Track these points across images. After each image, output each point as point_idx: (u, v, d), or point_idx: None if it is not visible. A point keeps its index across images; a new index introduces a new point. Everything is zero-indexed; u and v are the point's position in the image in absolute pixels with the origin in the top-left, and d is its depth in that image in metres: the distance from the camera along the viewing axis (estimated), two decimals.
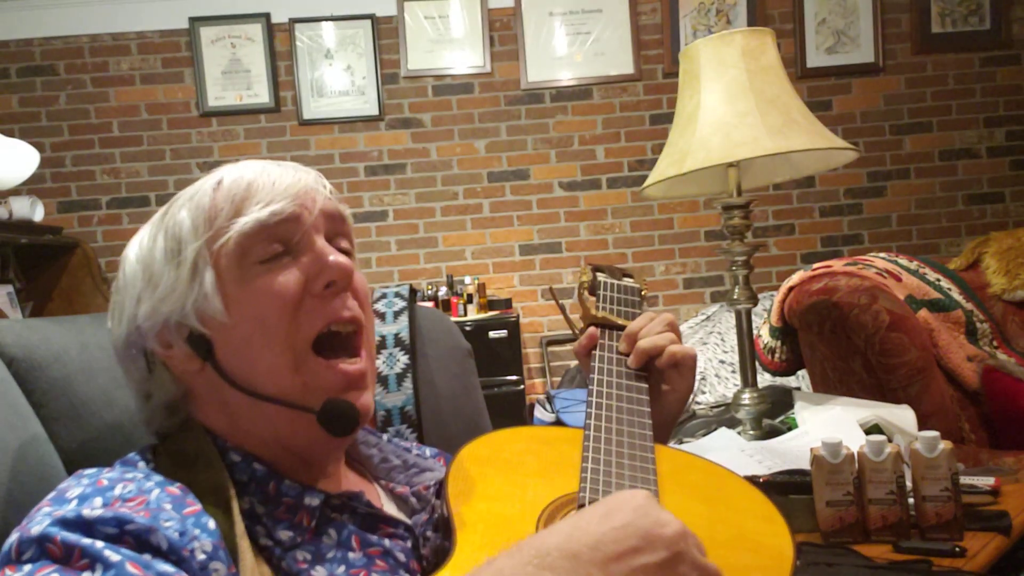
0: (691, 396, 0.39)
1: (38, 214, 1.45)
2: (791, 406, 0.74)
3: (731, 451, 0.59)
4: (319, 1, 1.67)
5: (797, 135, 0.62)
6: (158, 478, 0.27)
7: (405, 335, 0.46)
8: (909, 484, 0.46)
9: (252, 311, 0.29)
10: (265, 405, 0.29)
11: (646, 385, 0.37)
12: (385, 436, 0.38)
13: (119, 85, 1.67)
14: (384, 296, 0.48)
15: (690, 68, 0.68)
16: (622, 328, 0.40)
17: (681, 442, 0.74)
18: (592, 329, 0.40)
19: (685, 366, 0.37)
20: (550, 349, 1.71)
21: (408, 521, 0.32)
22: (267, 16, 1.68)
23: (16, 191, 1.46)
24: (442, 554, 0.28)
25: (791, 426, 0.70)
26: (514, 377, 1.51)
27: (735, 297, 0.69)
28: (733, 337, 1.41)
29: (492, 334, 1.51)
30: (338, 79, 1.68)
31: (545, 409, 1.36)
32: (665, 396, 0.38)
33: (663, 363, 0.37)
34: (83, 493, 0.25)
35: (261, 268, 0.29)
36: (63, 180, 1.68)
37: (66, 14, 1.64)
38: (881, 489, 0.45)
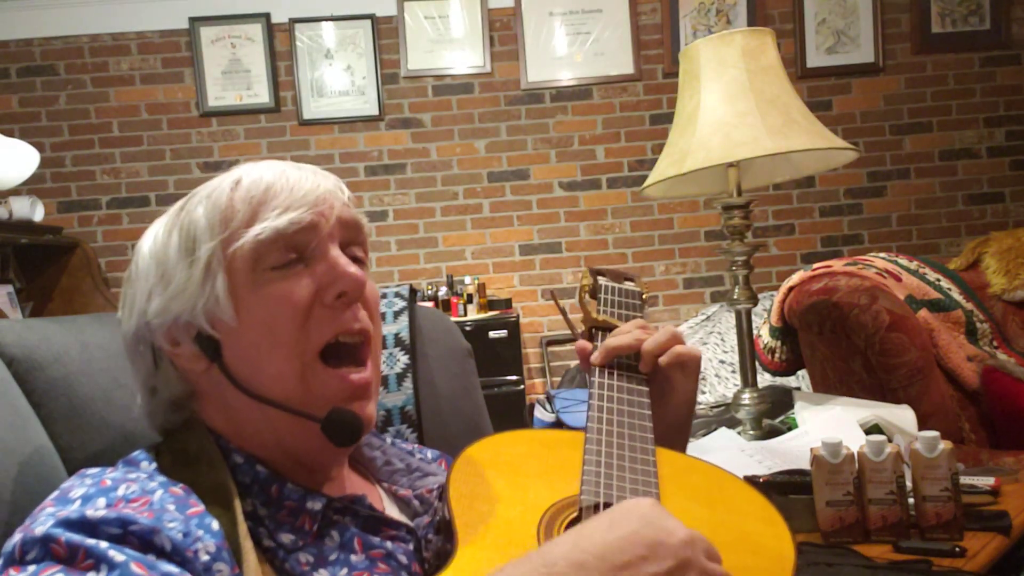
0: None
1: (38, 214, 1.45)
2: (791, 406, 0.74)
3: (731, 451, 0.59)
4: (319, 1, 1.67)
5: (797, 135, 0.62)
6: (161, 479, 0.27)
7: (405, 335, 0.46)
8: (909, 484, 0.46)
9: (262, 316, 0.29)
10: (269, 410, 0.29)
11: (647, 388, 0.37)
12: (388, 438, 0.38)
13: (119, 85, 1.67)
14: (384, 296, 0.48)
15: (690, 68, 0.68)
16: None
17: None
18: (581, 343, 0.39)
19: (689, 367, 0.37)
20: (550, 349, 1.71)
21: (410, 523, 0.32)
22: (267, 16, 1.68)
23: (16, 191, 1.46)
24: (443, 556, 0.28)
25: (791, 426, 0.70)
26: (514, 377, 1.51)
27: (735, 297, 0.69)
28: (733, 337, 1.41)
29: (492, 334, 1.51)
30: (338, 79, 1.68)
31: (545, 409, 1.36)
32: (671, 400, 0.38)
33: (667, 361, 0.37)
34: (86, 493, 0.25)
35: (274, 274, 0.29)
36: (63, 180, 1.68)
37: (66, 14, 1.64)
38: (881, 489, 0.45)
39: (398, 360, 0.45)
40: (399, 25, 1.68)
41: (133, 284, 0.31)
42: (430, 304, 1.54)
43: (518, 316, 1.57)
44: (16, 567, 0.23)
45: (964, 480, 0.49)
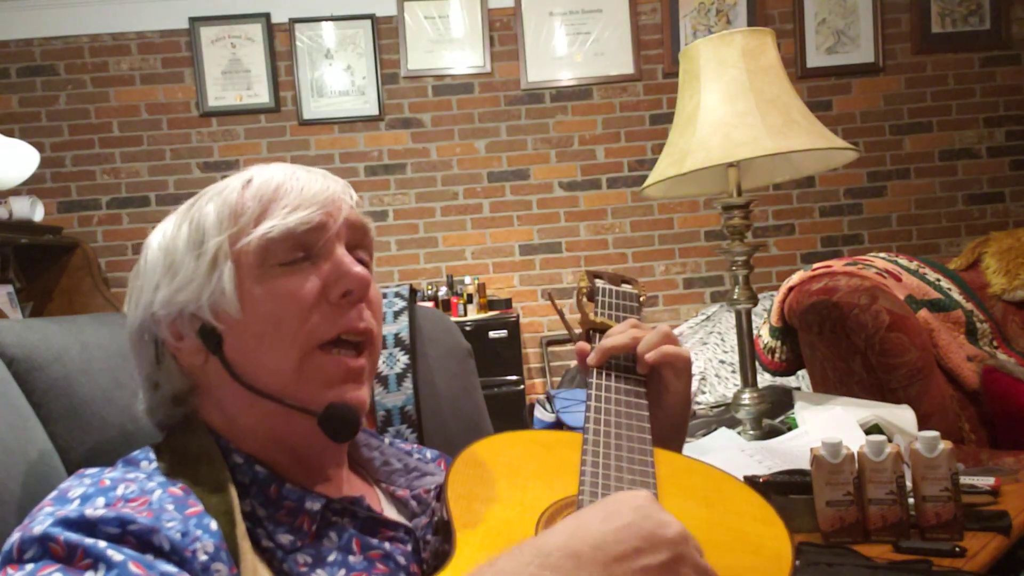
0: (692, 396, 0.38)
1: (38, 214, 1.45)
2: (791, 406, 0.74)
3: (731, 451, 0.59)
4: (319, 1, 1.67)
5: (797, 135, 0.62)
6: (160, 478, 0.27)
7: (405, 335, 0.46)
8: (909, 484, 0.46)
9: (267, 310, 0.29)
10: (266, 404, 0.29)
11: (644, 389, 0.38)
12: (387, 439, 0.38)
13: (119, 85, 1.67)
14: (384, 296, 0.48)
15: (690, 68, 0.68)
16: None
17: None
18: (581, 345, 0.40)
19: (679, 367, 0.37)
20: (550, 349, 1.71)
21: (408, 524, 0.32)
22: (267, 16, 1.68)
23: (16, 191, 1.46)
24: (442, 557, 0.28)
25: (791, 426, 0.70)
26: (514, 377, 1.51)
27: (735, 297, 0.69)
28: (733, 337, 1.41)
29: (492, 334, 1.51)
30: (338, 79, 1.68)
31: (545, 409, 1.36)
32: (664, 399, 0.38)
33: (655, 359, 0.37)
34: (85, 493, 0.25)
35: (280, 270, 0.29)
36: (63, 180, 1.68)
37: (66, 14, 1.64)
38: (881, 489, 0.45)
39: (398, 360, 0.45)
40: (399, 25, 1.68)
41: (141, 277, 0.31)
42: (430, 304, 1.54)
43: (518, 316, 1.57)
44: (14, 566, 0.23)
45: (964, 480, 0.49)
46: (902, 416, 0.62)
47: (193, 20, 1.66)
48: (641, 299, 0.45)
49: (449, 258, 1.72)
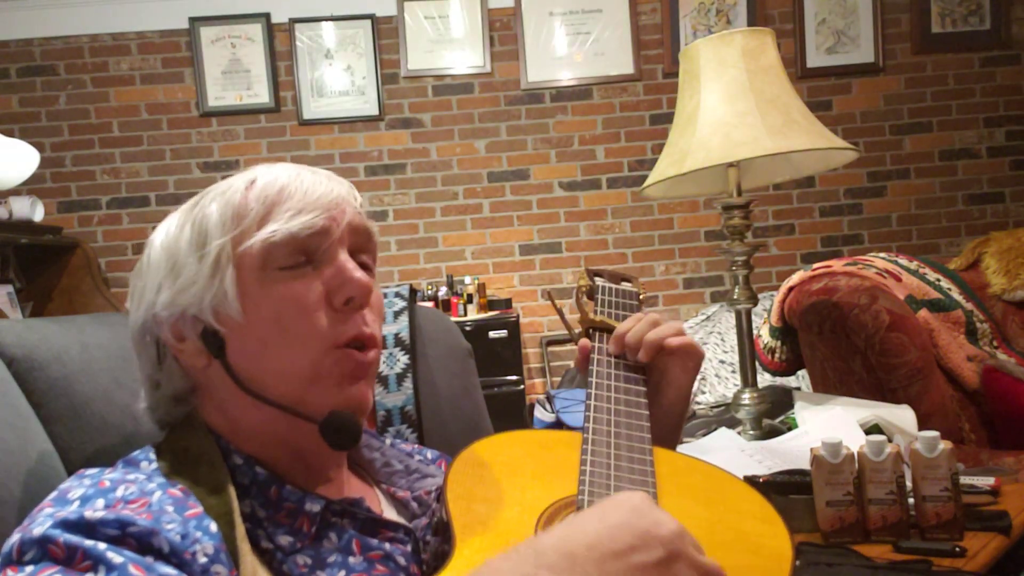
0: (691, 396, 0.38)
1: (38, 214, 1.45)
2: (791, 406, 0.75)
3: (731, 451, 0.59)
4: (319, 1, 1.67)
5: (797, 135, 0.62)
6: (160, 480, 0.27)
7: (405, 335, 0.46)
8: (909, 484, 0.46)
9: (270, 314, 0.29)
10: (268, 409, 0.29)
11: (644, 388, 0.37)
12: (388, 440, 0.38)
13: (119, 85, 1.67)
14: (384, 296, 0.48)
15: (690, 68, 0.68)
16: None
17: (681, 442, 0.73)
18: (583, 341, 0.40)
19: (692, 360, 0.37)
20: (550, 349, 1.71)
21: (408, 525, 0.32)
22: (267, 16, 1.68)
23: (16, 191, 1.46)
24: (441, 557, 0.28)
25: (791, 426, 0.70)
26: (514, 377, 1.51)
27: (735, 297, 0.69)
28: (733, 337, 1.41)
29: (492, 334, 1.51)
30: (338, 79, 1.68)
31: (545, 409, 1.36)
32: (665, 396, 0.38)
33: (678, 344, 0.37)
34: (85, 494, 0.25)
35: (282, 274, 0.29)
36: (63, 180, 1.68)
37: (66, 14, 1.64)
38: (881, 489, 0.45)
39: (398, 360, 0.45)
40: (399, 25, 1.68)
41: (143, 276, 0.31)
42: (430, 304, 1.54)
43: (518, 316, 1.57)
44: (14, 567, 0.23)
45: (964, 480, 0.49)
46: (902, 416, 0.62)
47: (193, 20, 1.66)
48: (641, 297, 0.45)
49: (449, 258, 1.72)
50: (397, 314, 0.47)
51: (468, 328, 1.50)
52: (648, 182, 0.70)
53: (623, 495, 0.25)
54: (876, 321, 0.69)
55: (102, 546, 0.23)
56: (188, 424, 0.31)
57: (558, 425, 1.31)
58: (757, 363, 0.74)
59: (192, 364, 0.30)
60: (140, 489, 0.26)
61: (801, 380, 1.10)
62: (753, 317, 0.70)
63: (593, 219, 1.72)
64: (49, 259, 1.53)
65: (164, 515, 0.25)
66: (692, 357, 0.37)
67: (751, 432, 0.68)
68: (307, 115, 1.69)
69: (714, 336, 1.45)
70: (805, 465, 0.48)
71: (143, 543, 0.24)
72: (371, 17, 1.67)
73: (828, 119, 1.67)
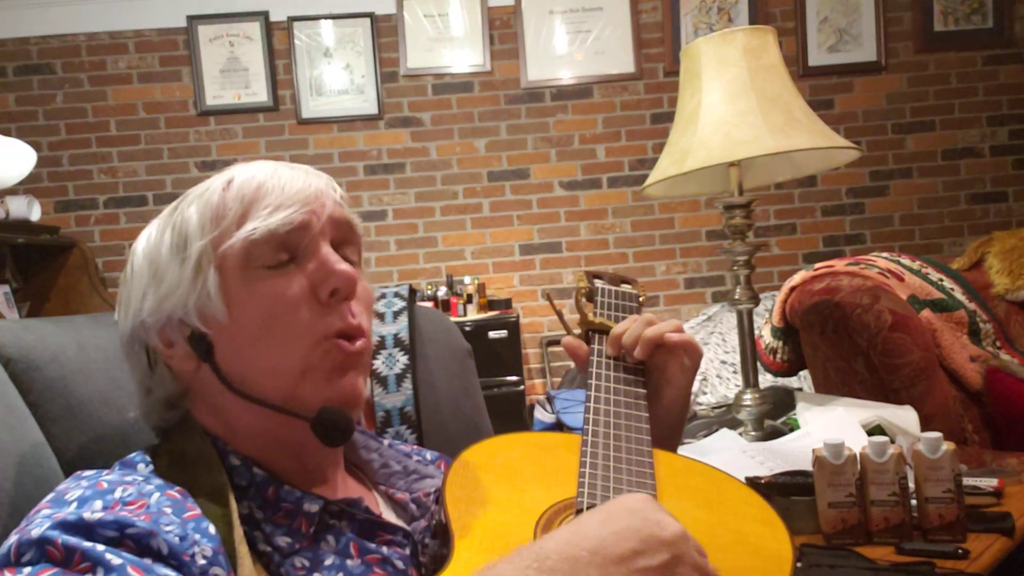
0: (692, 396, 0.38)
1: (35, 214, 1.45)
2: (793, 407, 0.75)
3: (732, 452, 0.59)
4: None
5: (799, 134, 0.62)
6: (158, 481, 0.27)
7: (404, 335, 0.46)
8: (912, 485, 0.46)
9: (255, 314, 0.29)
10: (260, 409, 0.29)
11: (644, 390, 0.37)
12: (386, 441, 0.38)
13: (116, 84, 1.67)
14: (383, 296, 0.48)
15: (691, 67, 0.68)
16: None
17: (682, 443, 0.73)
18: (566, 340, 0.40)
19: (691, 359, 0.37)
20: (550, 349, 1.70)
21: (407, 527, 0.32)
22: (265, 14, 1.67)
23: (13, 190, 1.46)
24: (440, 561, 0.28)
25: (793, 427, 0.70)
26: (514, 378, 1.51)
27: (736, 297, 0.69)
28: (734, 337, 1.40)
29: (492, 334, 1.50)
30: (337, 78, 1.67)
31: (545, 410, 1.36)
32: (667, 396, 0.38)
33: (677, 340, 0.37)
34: (83, 496, 0.25)
35: (265, 273, 0.29)
36: (60, 179, 1.67)
37: (63, 12, 1.64)
38: (883, 490, 0.45)
39: (397, 360, 0.45)
40: (398, 23, 1.67)
41: (129, 285, 0.31)
42: (430, 304, 1.53)
43: (518, 316, 1.57)
44: (11, 569, 0.23)
45: (967, 481, 0.49)
46: (905, 417, 0.62)
47: (191, 18, 1.66)
48: (641, 299, 0.45)
49: (449, 258, 1.72)
50: (396, 314, 0.47)
51: (468, 328, 1.50)
52: (649, 181, 0.69)
53: (626, 498, 0.25)
54: (878, 321, 0.69)
55: (100, 547, 0.23)
56: (184, 427, 0.31)
57: (558, 426, 1.31)
58: (759, 363, 0.74)
59: (183, 368, 0.30)
60: (138, 491, 0.26)
61: (803, 381, 1.10)
62: (755, 317, 0.70)
63: (593, 219, 1.72)
64: (46, 259, 1.53)
65: (163, 517, 0.25)
66: (691, 354, 0.37)
67: (752, 433, 0.68)
68: (306, 114, 1.68)
69: (715, 336, 1.45)
70: (807, 466, 0.48)
71: (141, 545, 0.24)
72: (370, 15, 1.67)
73: (830, 118, 1.66)
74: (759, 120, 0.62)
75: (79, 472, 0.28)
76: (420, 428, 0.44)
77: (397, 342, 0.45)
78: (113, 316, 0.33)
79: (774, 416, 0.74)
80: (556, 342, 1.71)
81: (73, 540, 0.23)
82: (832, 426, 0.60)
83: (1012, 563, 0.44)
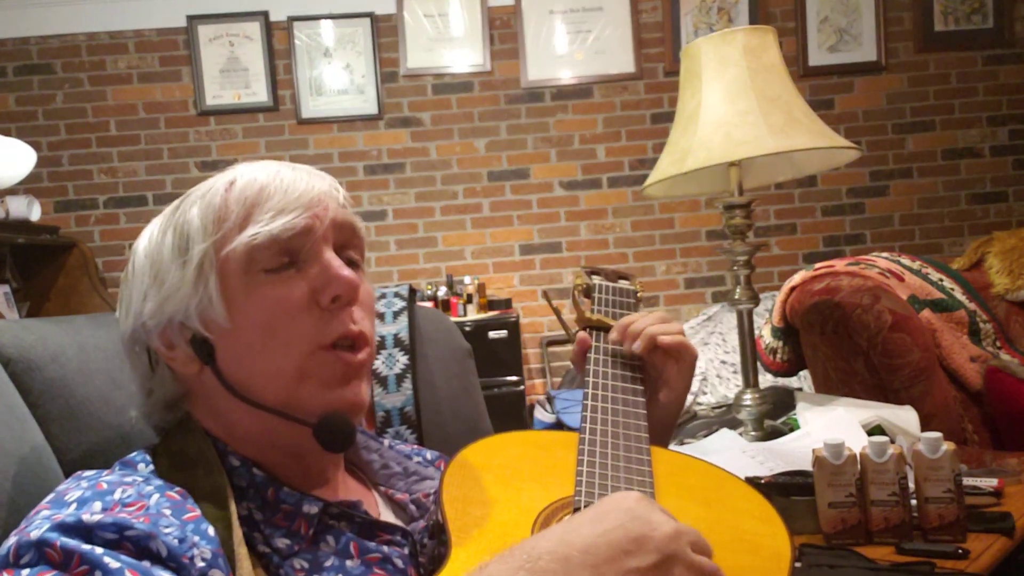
0: (689, 399, 0.38)
1: (35, 214, 1.44)
2: (793, 407, 0.75)
3: (732, 452, 0.59)
4: None
5: (799, 134, 0.62)
6: (158, 482, 0.27)
7: (404, 335, 0.46)
8: (912, 485, 0.46)
9: (256, 319, 0.29)
10: (262, 412, 0.29)
11: (642, 387, 0.37)
12: (386, 441, 0.38)
13: (116, 84, 1.67)
14: (383, 296, 0.48)
15: (691, 67, 0.68)
16: None
17: (682, 443, 0.73)
18: (582, 334, 0.39)
19: (685, 361, 0.37)
20: (550, 349, 1.71)
21: (406, 528, 0.32)
22: (265, 14, 1.67)
23: (13, 190, 1.46)
24: (437, 560, 0.28)
25: (793, 427, 0.70)
26: (514, 377, 1.50)
27: (736, 297, 0.69)
28: (734, 337, 1.41)
29: (492, 334, 1.50)
30: (337, 78, 1.67)
31: (545, 410, 1.36)
32: (662, 396, 0.38)
33: (671, 341, 0.37)
34: (82, 497, 0.25)
35: (266, 277, 0.29)
36: (60, 179, 1.67)
37: (63, 12, 1.64)
38: (883, 490, 0.45)
39: (397, 360, 0.45)
40: (398, 23, 1.67)
41: (129, 285, 0.31)
42: (430, 304, 1.53)
43: (518, 316, 1.57)
44: (10, 571, 0.23)
45: (967, 481, 0.49)
46: (905, 417, 0.62)
47: (191, 18, 1.66)
48: (639, 295, 0.44)
49: (449, 258, 1.72)
50: (396, 314, 0.47)
51: (468, 328, 1.50)
52: (649, 181, 0.69)
53: (618, 496, 0.24)
54: (878, 321, 0.69)
55: (99, 550, 0.23)
56: (184, 427, 0.31)
57: (559, 426, 1.31)
58: (759, 363, 0.74)
59: (184, 371, 0.30)
60: (138, 492, 0.26)
61: (803, 381, 1.10)
62: (755, 317, 0.70)
63: (594, 219, 1.72)
64: (46, 259, 1.52)
65: (162, 519, 0.25)
66: (684, 357, 0.37)
67: (752, 433, 0.68)
68: (306, 114, 1.68)
69: (715, 336, 1.45)
70: (807, 466, 0.48)
71: (140, 547, 0.24)
72: (370, 15, 1.67)
73: (830, 118, 1.66)
74: (759, 120, 0.62)
75: (79, 472, 0.28)
76: (420, 428, 0.44)
77: (397, 342, 0.45)
78: (113, 316, 0.33)
79: (774, 416, 0.74)
80: (556, 342, 1.71)
81: (72, 543, 0.23)
82: (832, 426, 0.60)
83: (1012, 563, 0.44)
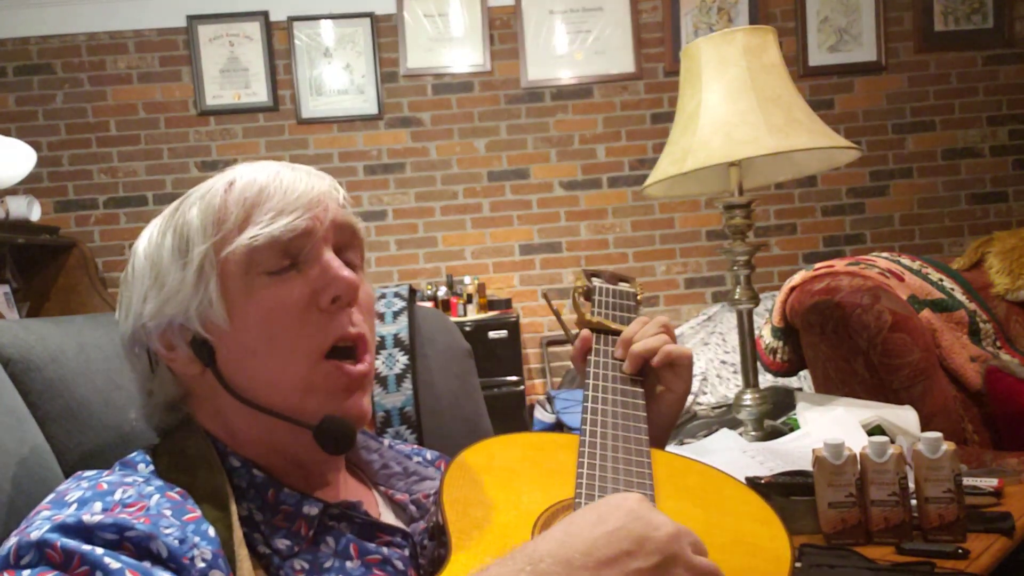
0: (689, 399, 0.38)
1: (35, 214, 1.45)
2: (793, 407, 0.75)
3: (732, 452, 0.59)
4: None
5: (799, 134, 0.62)
6: (158, 483, 0.27)
7: (404, 335, 0.46)
8: (912, 485, 0.46)
9: (257, 321, 0.29)
10: (263, 415, 0.29)
11: (642, 390, 0.37)
12: (386, 441, 0.38)
13: (116, 84, 1.67)
14: (383, 296, 0.48)
15: (691, 67, 0.68)
16: (617, 333, 0.40)
17: (682, 443, 0.74)
18: (585, 331, 0.40)
19: (681, 365, 0.37)
20: (550, 349, 1.71)
21: (406, 529, 0.32)
22: (265, 14, 1.67)
23: (13, 191, 1.46)
24: (437, 562, 0.28)
25: (793, 427, 0.70)
26: (514, 378, 1.51)
27: (736, 297, 0.69)
28: (734, 337, 1.41)
29: (492, 334, 1.50)
30: (337, 78, 1.67)
31: (545, 410, 1.36)
32: (661, 399, 0.38)
33: (658, 362, 0.37)
34: (82, 497, 0.25)
35: (267, 279, 0.29)
36: (60, 179, 1.67)
37: (63, 12, 1.64)
38: (883, 490, 0.45)
39: (397, 361, 0.45)
40: (398, 23, 1.67)
41: (129, 286, 0.31)
42: (429, 304, 1.53)
43: (518, 316, 1.57)
44: (11, 571, 0.23)
45: (967, 481, 0.49)
46: (905, 417, 0.62)
47: (191, 18, 1.66)
48: (639, 298, 0.44)
49: (449, 258, 1.72)
50: (396, 314, 0.47)
51: (468, 328, 1.50)
52: (649, 181, 0.69)
53: (618, 497, 0.24)
54: (878, 321, 0.69)
55: (99, 551, 0.23)
56: (185, 427, 0.31)
57: (558, 426, 1.31)
58: (759, 363, 0.74)
59: (185, 372, 0.30)
60: (138, 492, 0.26)
61: (803, 381, 1.10)
62: (755, 317, 0.70)
63: (594, 219, 1.72)
64: (46, 259, 1.52)
65: (162, 519, 0.25)
66: (679, 363, 0.37)
67: (752, 433, 0.68)
68: (306, 114, 1.68)
69: (715, 336, 1.45)
70: (807, 466, 0.48)
71: (141, 548, 0.24)
72: (370, 15, 1.67)
73: (830, 118, 1.66)
74: (759, 120, 0.62)
75: (80, 472, 0.28)
76: (420, 428, 0.44)
77: (397, 342, 0.45)
78: (113, 316, 0.33)
79: (774, 416, 0.74)
80: (556, 342, 1.71)
81: (72, 543, 0.23)
82: (832, 426, 0.60)
83: (1012, 563, 0.44)
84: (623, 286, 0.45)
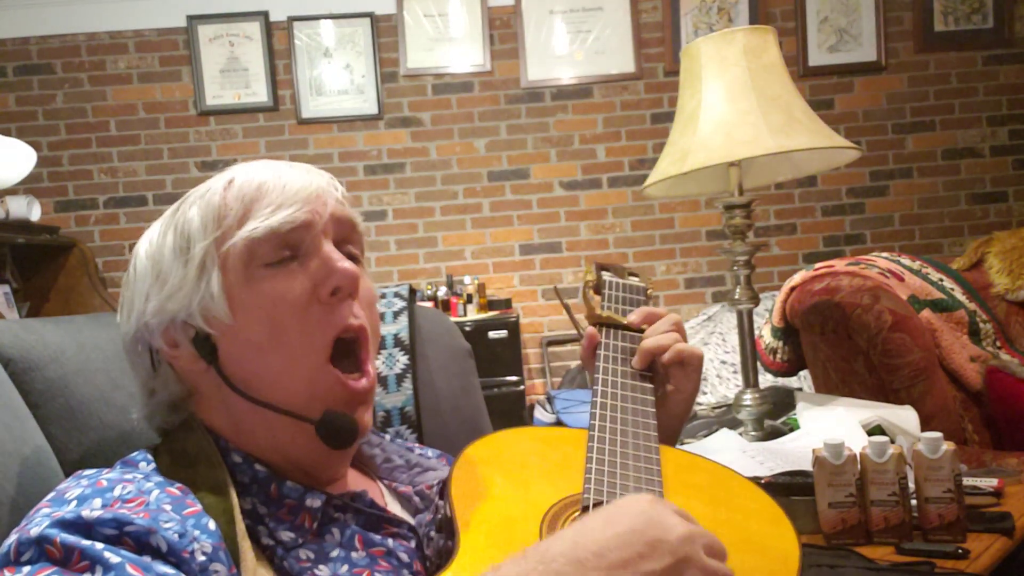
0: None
1: (35, 214, 1.45)
2: (793, 407, 0.74)
3: (732, 452, 0.59)
4: None
5: (799, 134, 0.62)
6: (158, 479, 0.27)
7: (405, 335, 0.46)
8: (912, 485, 0.46)
9: (259, 314, 0.29)
10: (266, 411, 0.29)
11: (651, 385, 0.37)
12: (387, 436, 0.38)
13: (116, 84, 1.67)
14: (383, 296, 0.48)
15: (691, 67, 0.68)
16: (627, 327, 0.40)
17: (683, 443, 0.73)
18: (591, 329, 0.39)
19: (691, 365, 0.37)
20: (550, 349, 1.71)
21: (411, 521, 0.32)
22: (265, 14, 1.67)
23: (13, 191, 1.46)
24: (445, 555, 0.28)
25: (793, 427, 0.70)
26: (514, 378, 1.51)
27: (737, 297, 0.69)
28: (734, 337, 1.41)
29: (492, 334, 1.50)
30: (337, 78, 1.68)
31: (545, 410, 1.36)
32: (671, 397, 0.38)
33: (669, 359, 0.37)
34: (82, 494, 0.25)
35: (268, 271, 0.29)
36: (60, 179, 1.67)
37: (63, 12, 1.64)
38: (883, 490, 0.45)
39: (397, 360, 0.45)
40: (398, 23, 1.67)
41: (131, 287, 0.31)
42: (430, 304, 1.53)
43: (518, 316, 1.57)
44: (11, 568, 0.23)
45: (967, 481, 0.49)
46: (905, 417, 0.62)
47: (191, 18, 1.66)
48: (648, 292, 0.44)
49: (449, 258, 1.72)
50: (396, 314, 0.47)
51: (468, 328, 1.50)
52: (649, 181, 0.69)
53: (631, 498, 0.24)
54: (878, 321, 0.69)
55: (99, 546, 0.23)
56: (185, 426, 0.31)
57: (558, 426, 1.31)
58: (759, 363, 0.74)
59: (188, 369, 0.30)
60: (137, 488, 0.26)
61: (803, 381, 1.10)
62: (755, 317, 0.70)
63: (594, 219, 1.72)
64: (46, 259, 1.52)
65: (162, 514, 0.25)
66: (689, 362, 0.37)
67: (752, 433, 0.68)
68: (306, 114, 1.68)
69: (715, 336, 1.45)
70: (807, 466, 0.48)
71: (140, 542, 0.24)
72: (370, 15, 1.67)
73: (830, 118, 1.66)
74: (759, 120, 0.62)
75: (79, 471, 0.28)
76: (420, 428, 0.44)
77: (397, 342, 0.45)
78: (113, 316, 0.33)
79: (774, 416, 0.74)
80: (556, 342, 1.71)
81: (72, 539, 0.23)
82: (832, 426, 0.60)
83: (1012, 563, 0.44)
84: (633, 280, 0.44)
